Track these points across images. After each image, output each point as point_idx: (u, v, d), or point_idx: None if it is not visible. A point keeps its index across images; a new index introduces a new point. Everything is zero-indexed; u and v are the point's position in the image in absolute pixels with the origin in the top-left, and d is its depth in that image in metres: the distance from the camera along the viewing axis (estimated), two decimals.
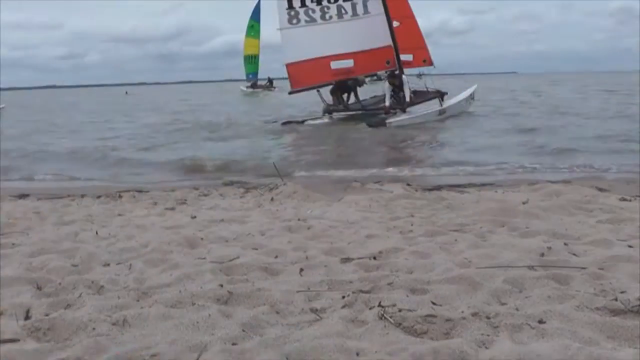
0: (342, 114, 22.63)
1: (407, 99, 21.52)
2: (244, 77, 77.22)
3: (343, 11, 22.01)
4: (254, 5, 72.73)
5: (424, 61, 23.24)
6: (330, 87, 22.92)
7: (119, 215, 7.55)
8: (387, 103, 21.27)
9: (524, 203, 7.39)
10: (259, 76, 75.23)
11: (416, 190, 8.75)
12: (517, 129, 19.22)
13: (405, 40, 22.58)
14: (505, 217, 6.60)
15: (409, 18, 23.06)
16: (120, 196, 9.03)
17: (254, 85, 74.45)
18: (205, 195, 9.10)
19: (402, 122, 20.17)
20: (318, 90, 22.76)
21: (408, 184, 9.31)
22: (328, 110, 22.71)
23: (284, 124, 22.55)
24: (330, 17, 22.02)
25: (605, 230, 5.94)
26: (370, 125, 19.69)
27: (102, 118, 32.55)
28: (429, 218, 6.74)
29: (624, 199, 7.59)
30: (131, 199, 8.88)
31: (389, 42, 22.29)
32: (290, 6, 21.94)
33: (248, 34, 74.36)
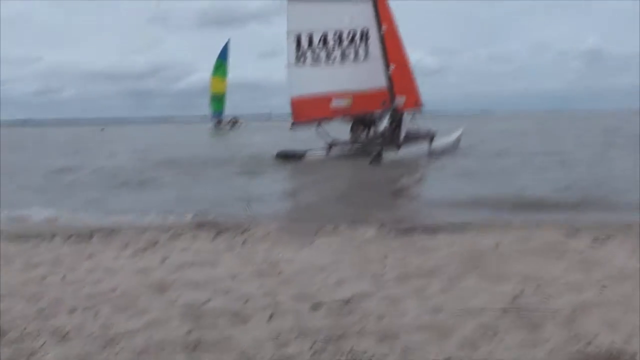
0: (342, 150, 23.89)
1: (401, 138, 23.10)
2: (216, 115, 79.01)
3: (346, 54, 24.30)
4: (223, 45, 77.81)
5: (415, 103, 25.21)
6: (352, 122, 24.42)
7: (89, 257, 7.44)
8: (381, 128, 23.37)
9: (495, 246, 7.40)
10: (226, 113, 78.02)
11: (389, 233, 8.73)
12: (492, 171, 19.35)
13: (399, 83, 24.38)
14: (477, 260, 6.61)
15: (404, 62, 25.18)
16: (91, 236, 8.91)
17: (219, 123, 76.80)
18: (178, 236, 9.00)
19: (395, 158, 21.65)
20: (319, 125, 24.17)
21: (381, 227, 9.28)
22: (328, 145, 23.89)
23: (279, 155, 23.67)
24: (335, 59, 24.24)
25: (576, 273, 5.97)
26: (370, 164, 20.82)
27: (76, 155, 32.28)
28: (401, 261, 6.72)
29: (596, 241, 7.63)
30: (102, 239, 8.76)
31: (385, 84, 24.24)
32: (299, 46, 23.96)
33: (215, 73, 77.60)
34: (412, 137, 23.65)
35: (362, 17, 24.26)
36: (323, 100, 23.94)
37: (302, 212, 12.45)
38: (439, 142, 24.71)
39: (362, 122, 24.26)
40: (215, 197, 14.90)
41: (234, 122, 77.92)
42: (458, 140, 26.60)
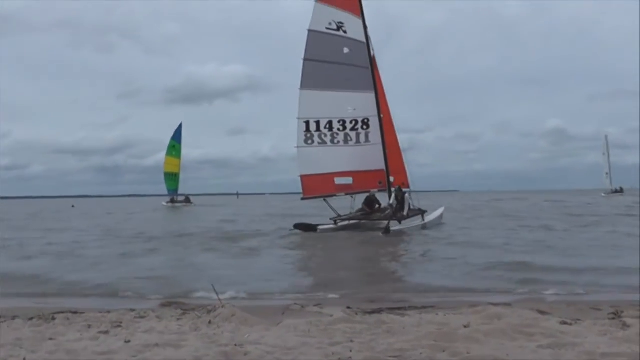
0: (347, 222, 27.53)
1: (405, 213, 27.25)
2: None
3: (349, 138, 28.30)
4: (176, 127, 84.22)
5: (403, 183, 28.99)
6: (365, 200, 28.26)
7: (50, 339, 7.32)
8: (390, 202, 27.35)
9: (465, 327, 7.42)
10: (192, 190, 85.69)
11: (356, 314, 8.70)
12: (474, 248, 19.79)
13: (391, 164, 28.63)
14: (446, 341, 6.61)
15: (395, 147, 29.32)
16: (53, 318, 8.77)
17: (172, 201, 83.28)
18: (142, 317, 8.90)
19: (399, 229, 25.50)
20: (326, 200, 28.42)
21: (348, 307, 9.26)
22: (334, 220, 27.64)
23: (296, 227, 27.38)
24: (338, 141, 28.23)
25: (546, 355, 6.03)
26: (383, 234, 24.29)
27: (39, 233, 31.98)
28: (369, 343, 6.70)
29: (565, 323, 7.69)
30: (65, 321, 8.62)
31: (383, 166, 28.44)
32: (308, 130, 28.08)
33: (169, 153, 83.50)
34: (411, 213, 27.77)
35: (364, 108, 28.23)
36: (328, 178, 28.07)
37: (268, 291, 12.36)
38: (429, 217, 29.10)
39: (370, 201, 28.14)
40: (179, 274, 14.86)
41: (187, 200, 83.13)
42: (442, 216, 31.33)
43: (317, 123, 28.17)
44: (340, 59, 28.10)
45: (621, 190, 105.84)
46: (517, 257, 16.26)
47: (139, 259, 18.40)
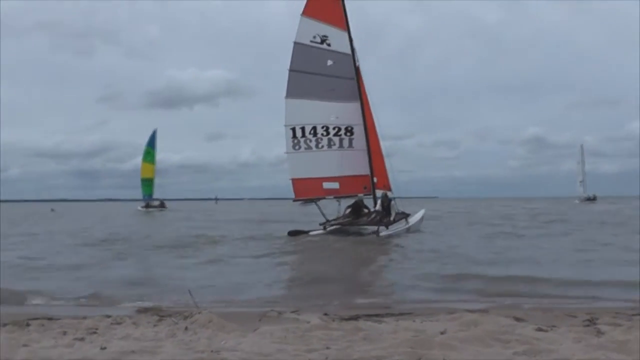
0: (335, 227, 28.80)
1: (392, 219, 28.83)
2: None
3: (332, 143, 30.23)
4: (150, 133, 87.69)
5: (384, 185, 30.69)
6: (351, 206, 29.71)
7: (25, 345, 7.26)
8: (377, 207, 29.18)
9: (441, 333, 7.44)
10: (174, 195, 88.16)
11: (333, 320, 8.71)
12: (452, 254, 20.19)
13: (374, 168, 30.39)
14: (423, 348, 6.63)
15: (379, 152, 30.98)
16: (28, 324, 8.69)
17: (147, 206, 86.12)
18: (118, 323, 8.85)
19: (387, 234, 27.14)
20: (316, 204, 30.43)
21: (325, 314, 9.28)
22: (323, 225, 29.07)
23: (290, 233, 28.51)
24: (322, 146, 30.07)
25: None
26: (377, 236, 26.45)
27: (18, 237, 31.68)
28: (345, 350, 6.72)
29: (540, 329, 7.73)
30: (40, 327, 8.55)
31: (368, 172, 30.33)
32: (294, 136, 30.00)
33: (145, 160, 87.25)
34: (397, 218, 29.34)
35: (347, 116, 30.15)
36: (317, 183, 30.06)
37: (245, 297, 12.37)
38: (412, 220, 30.55)
39: (358, 206, 29.57)
40: (155, 280, 14.83)
41: (162, 204, 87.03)
42: (422, 219, 32.72)
43: (303, 129, 30.03)
44: (323, 71, 29.90)
45: (594, 198, 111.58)
46: (486, 268, 16.42)
47: (113, 265, 18.29)
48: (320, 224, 29.28)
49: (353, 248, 23.70)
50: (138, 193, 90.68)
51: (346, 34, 30.45)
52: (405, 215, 30.27)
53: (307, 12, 30.02)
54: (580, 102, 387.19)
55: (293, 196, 30.81)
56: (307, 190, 30.35)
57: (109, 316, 9.41)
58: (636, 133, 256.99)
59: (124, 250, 23.08)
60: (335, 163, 30.07)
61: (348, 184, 30.21)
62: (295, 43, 29.89)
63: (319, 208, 30.11)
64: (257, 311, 9.98)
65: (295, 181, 30.37)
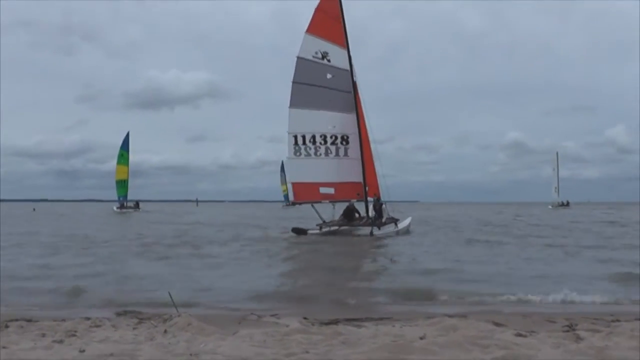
0: (331, 228, 31.45)
1: (384, 221, 32.26)
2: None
3: (329, 151, 33.22)
4: (124, 136, 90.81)
5: (375, 194, 33.39)
6: (345, 209, 32.51)
7: (4, 347, 7.26)
8: (370, 213, 32.45)
9: (420, 338, 7.48)
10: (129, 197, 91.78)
11: (313, 324, 8.73)
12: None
13: (366, 177, 33.38)
14: (402, 353, 6.67)
15: (371, 161, 34.03)
16: (7, 326, 8.69)
17: (122, 206, 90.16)
18: (97, 326, 8.84)
19: (379, 235, 30.48)
20: (313, 206, 32.98)
21: (305, 318, 9.30)
22: (320, 226, 31.73)
23: (293, 230, 31.86)
24: (320, 154, 33.08)
25: None
26: (370, 236, 29.97)
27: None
28: (324, 354, 6.76)
29: (520, 335, 7.79)
30: (18, 329, 8.54)
31: (361, 179, 33.41)
32: (296, 143, 32.87)
33: (119, 162, 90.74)
34: (387, 221, 32.63)
35: (344, 126, 33.21)
36: (314, 187, 32.92)
37: (225, 300, 12.37)
38: (401, 225, 33.68)
39: (350, 211, 32.38)
40: (135, 282, 14.79)
41: (136, 205, 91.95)
42: (410, 224, 35.83)
43: (304, 137, 32.98)
44: (323, 83, 32.96)
45: (567, 204, 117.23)
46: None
47: (101, 266, 18.20)
48: (317, 225, 31.82)
49: (340, 251, 24.29)
50: (115, 194, 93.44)
51: (345, 52, 33.49)
52: (394, 220, 33.28)
53: (311, 30, 32.92)
54: (560, 108, 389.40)
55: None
56: (305, 194, 33.17)
57: (88, 318, 9.40)
58: (616, 139, 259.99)
59: (99, 251, 22.96)
60: (331, 170, 33.26)
61: (343, 190, 33.08)
62: (299, 58, 32.73)
63: (316, 211, 32.63)
64: (237, 314, 10.01)
65: (295, 185, 33.61)
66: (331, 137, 33.26)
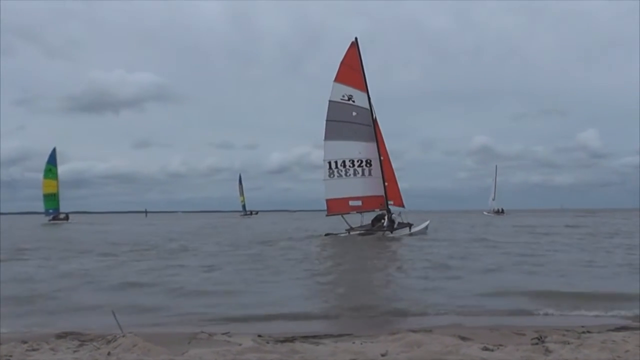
0: (358, 232, 41.09)
1: (396, 226, 41.57)
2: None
3: (357, 172, 42.99)
4: (50, 151, 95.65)
5: (399, 204, 43.48)
6: (373, 218, 42.61)
7: None
8: (386, 223, 41.53)
9: (382, 355, 7.39)
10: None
11: (267, 342, 8.54)
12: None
13: (390, 192, 43.12)
14: None
15: (393, 179, 43.80)
16: None
17: (55, 218, 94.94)
18: (34, 350, 8.52)
19: (393, 236, 39.69)
20: (342, 217, 42.30)
21: (259, 335, 9.07)
22: (348, 230, 41.39)
23: (326, 235, 41.72)
24: (350, 174, 42.83)
25: None
26: (384, 235, 40.15)
27: None
28: None
29: (487, 349, 7.74)
30: None
31: (382, 193, 42.87)
32: (330, 167, 42.66)
33: (46, 176, 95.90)
34: (400, 225, 41.96)
35: (367, 152, 42.84)
36: (344, 201, 42.68)
37: (173, 317, 12.07)
38: (415, 228, 43.28)
39: (377, 218, 42.21)
40: (75, 299, 14.41)
41: (66, 217, 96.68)
42: (427, 227, 45.97)
43: (336, 162, 42.77)
44: (350, 119, 42.79)
45: (502, 211, 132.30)
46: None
47: (38, 282, 17.65)
48: (346, 229, 41.38)
49: (309, 259, 23.58)
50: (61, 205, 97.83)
51: (366, 95, 43.25)
52: (409, 225, 42.73)
53: (338, 79, 42.89)
54: (529, 112, 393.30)
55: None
56: (337, 208, 42.79)
57: (25, 342, 9.04)
58: (587, 143, 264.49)
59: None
60: (359, 186, 42.81)
61: (369, 202, 42.95)
62: (330, 101, 42.69)
63: (345, 220, 41.83)
64: (187, 332, 9.71)
65: (329, 201, 42.99)
66: (358, 161, 43.05)
